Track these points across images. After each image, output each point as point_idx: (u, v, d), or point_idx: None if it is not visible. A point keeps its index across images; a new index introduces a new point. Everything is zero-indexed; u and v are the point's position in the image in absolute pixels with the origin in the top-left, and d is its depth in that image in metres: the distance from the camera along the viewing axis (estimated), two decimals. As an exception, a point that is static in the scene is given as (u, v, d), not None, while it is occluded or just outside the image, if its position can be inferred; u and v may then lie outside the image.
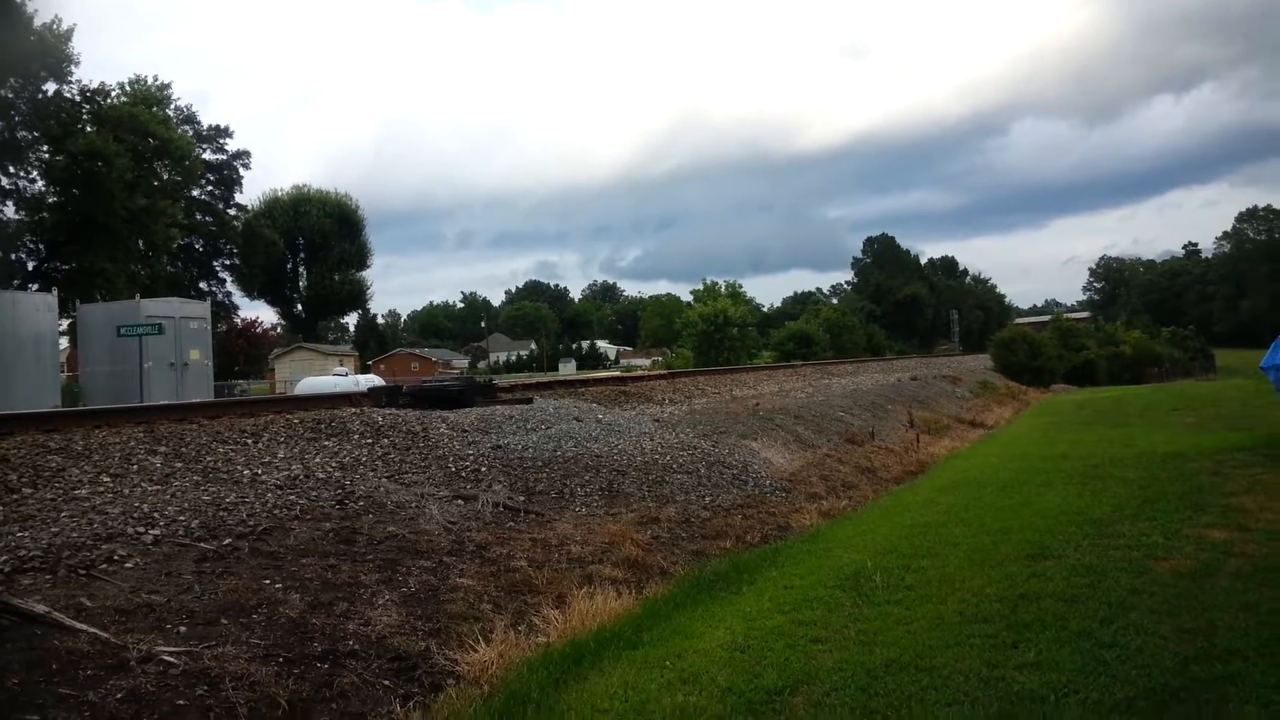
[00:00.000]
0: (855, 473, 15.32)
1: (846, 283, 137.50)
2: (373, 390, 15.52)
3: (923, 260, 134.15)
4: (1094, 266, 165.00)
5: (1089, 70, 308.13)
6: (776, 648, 5.38)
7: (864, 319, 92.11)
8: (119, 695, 4.58)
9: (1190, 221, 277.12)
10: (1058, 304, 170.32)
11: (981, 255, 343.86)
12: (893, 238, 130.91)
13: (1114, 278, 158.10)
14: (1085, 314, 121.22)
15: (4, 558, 5.75)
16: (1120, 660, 4.70)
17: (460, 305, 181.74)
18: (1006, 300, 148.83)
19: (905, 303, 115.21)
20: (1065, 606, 5.62)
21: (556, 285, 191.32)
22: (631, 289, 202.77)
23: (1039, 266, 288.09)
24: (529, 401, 15.26)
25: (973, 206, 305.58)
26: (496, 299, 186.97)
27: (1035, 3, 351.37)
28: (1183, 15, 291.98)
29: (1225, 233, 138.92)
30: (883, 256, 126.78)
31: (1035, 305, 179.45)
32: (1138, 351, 70.12)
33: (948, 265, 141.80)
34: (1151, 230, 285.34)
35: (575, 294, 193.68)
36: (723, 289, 64.54)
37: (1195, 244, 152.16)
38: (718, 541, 9.68)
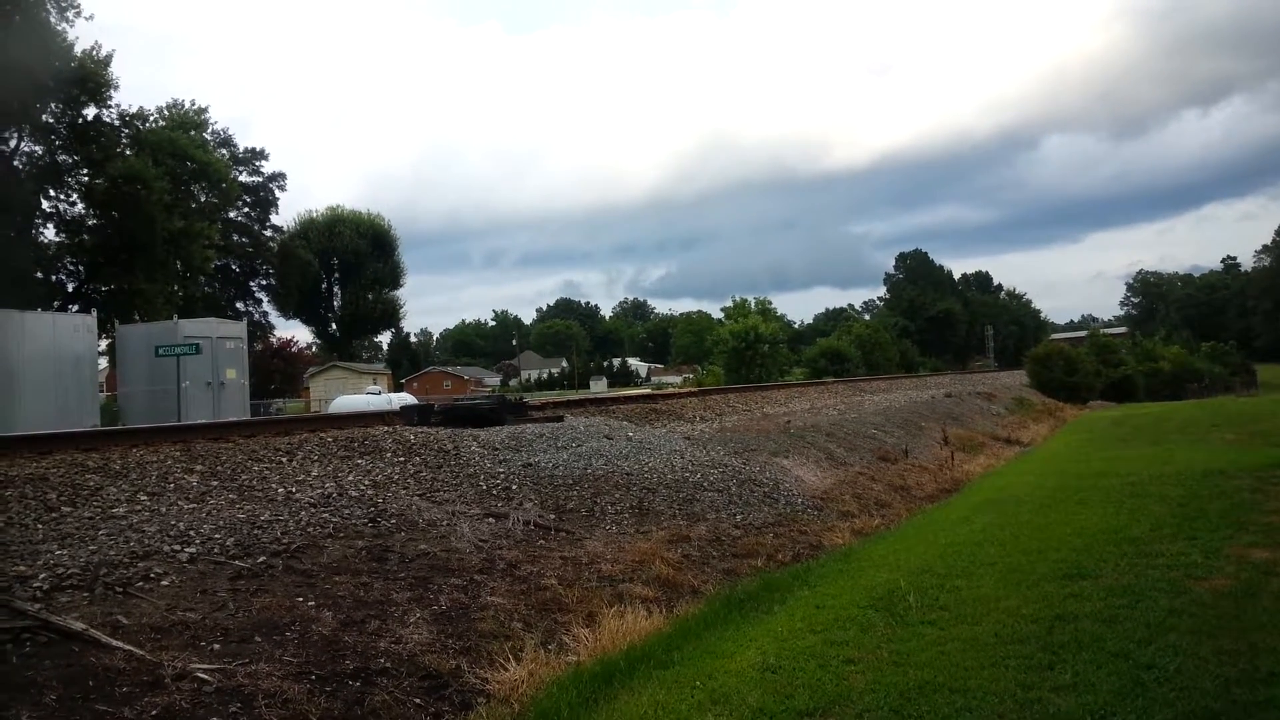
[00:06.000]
0: (888, 491, 15.20)
1: (879, 298, 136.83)
2: (405, 409, 15.61)
3: (956, 276, 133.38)
4: (1131, 281, 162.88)
5: (1115, 86, 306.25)
6: (809, 668, 5.33)
7: (897, 335, 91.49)
8: (154, 712, 4.63)
9: (1229, 235, 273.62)
10: (1094, 319, 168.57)
11: (1015, 270, 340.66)
12: (925, 253, 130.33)
13: (1151, 292, 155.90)
14: (1122, 329, 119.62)
15: (43, 575, 5.84)
16: (1159, 682, 4.61)
17: (492, 323, 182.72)
18: (1042, 315, 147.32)
19: (939, 319, 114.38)
20: (1103, 627, 5.53)
21: (587, 303, 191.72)
22: (658, 307, 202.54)
23: (1075, 281, 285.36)
24: (560, 419, 15.29)
25: (1005, 221, 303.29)
26: (528, 317, 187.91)
27: (1059, 21, 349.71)
28: (1206, 31, 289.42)
29: (1265, 246, 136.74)
30: (915, 272, 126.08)
31: (1071, 320, 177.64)
32: (1176, 367, 69.10)
33: (981, 280, 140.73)
34: (1189, 244, 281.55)
35: (605, 312, 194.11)
36: (753, 306, 64.39)
37: (1234, 258, 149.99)
38: (749, 560, 9.63)
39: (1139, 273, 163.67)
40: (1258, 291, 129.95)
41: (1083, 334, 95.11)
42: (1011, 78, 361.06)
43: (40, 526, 7.01)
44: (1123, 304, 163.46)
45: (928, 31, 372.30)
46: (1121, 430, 25.29)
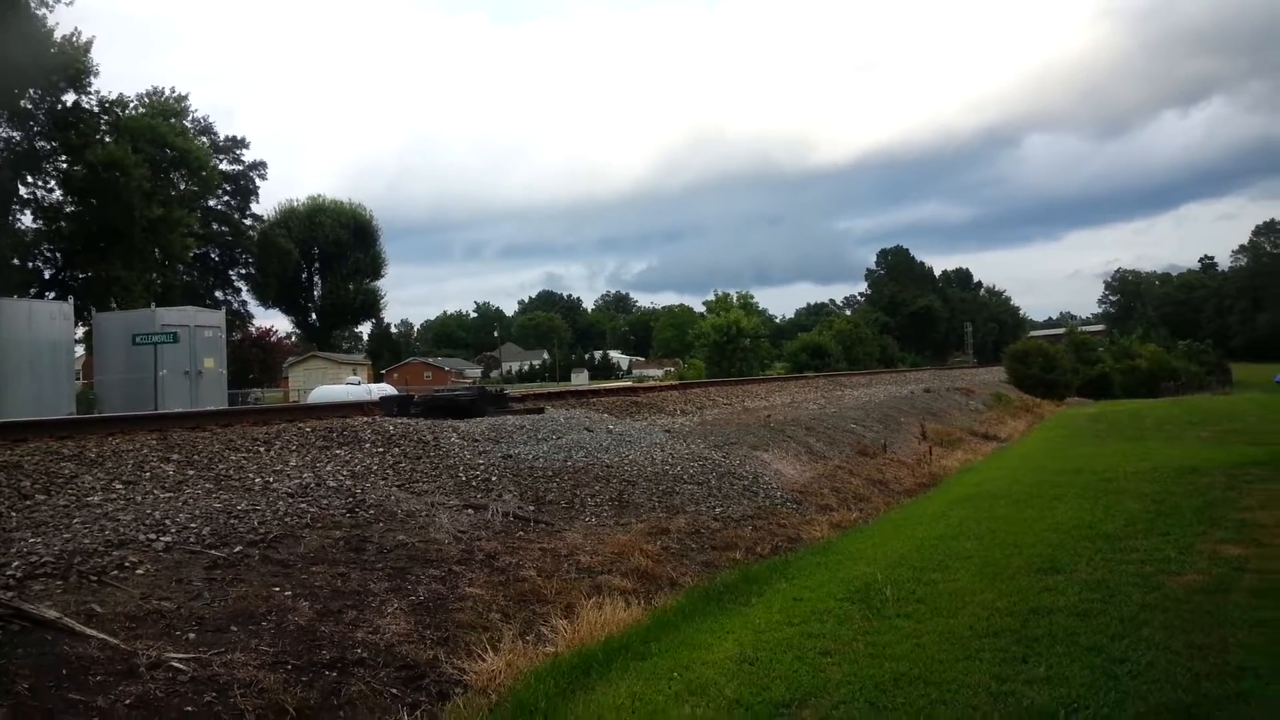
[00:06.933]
0: (867, 485, 15.28)
1: (860, 294, 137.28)
2: (385, 399, 15.56)
3: (936, 273, 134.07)
4: (1109, 280, 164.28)
5: (1097, 85, 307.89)
6: (785, 660, 5.36)
7: (877, 331, 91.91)
8: (128, 701, 4.60)
9: (1206, 235, 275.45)
10: (1072, 317, 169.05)
11: (995, 268, 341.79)
12: (906, 250, 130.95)
13: (1129, 291, 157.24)
14: (1100, 327, 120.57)
15: (16, 563, 5.79)
16: (1131, 676, 4.66)
17: (473, 315, 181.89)
18: (1021, 313, 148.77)
19: (919, 315, 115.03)
20: (1076, 621, 5.58)
21: (569, 295, 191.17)
22: (640, 300, 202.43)
23: (1054, 279, 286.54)
24: (540, 411, 15.27)
25: (986, 219, 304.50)
26: (509, 309, 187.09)
27: (1043, 20, 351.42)
28: (1187, 32, 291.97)
29: (1242, 246, 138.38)
30: (896, 269, 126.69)
31: (1050, 318, 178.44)
32: (1153, 365, 69.76)
33: (961, 277, 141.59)
34: (1167, 244, 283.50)
35: (587, 305, 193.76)
36: (735, 300, 64.52)
37: (1212, 257, 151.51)
38: (727, 553, 9.66)
39: (1117, 271, 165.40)
40: (1234, 291, 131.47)
41: (1061, 331, 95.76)
42: (995, 76, 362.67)
43: (14, 514, 6.96)
44: (1101, 302, 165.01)
45: (912, 29, 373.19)
46: (1098, 427, 25.52)
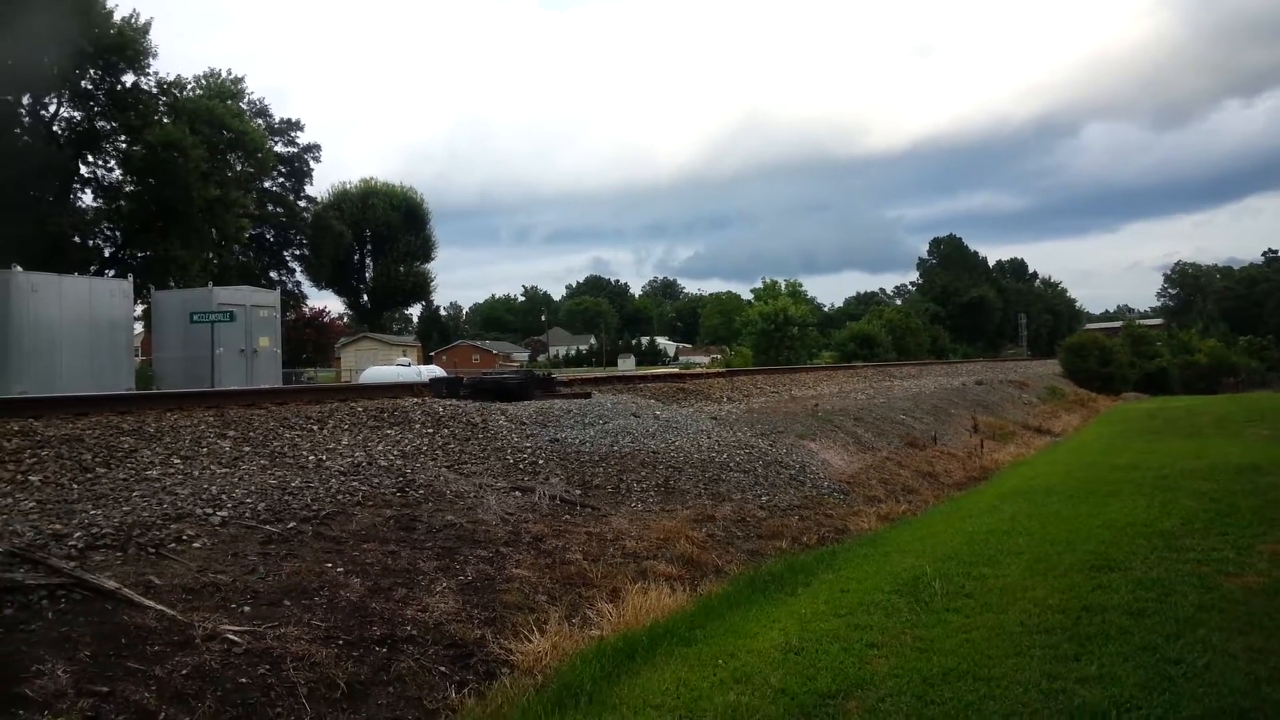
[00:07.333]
0: (916, 477, 15.14)
1: (911, 283, 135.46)
2: (434, 381, 15.70)
3: (990, 262, 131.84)
4: (1168, 272, 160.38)
5: (1155, 74, 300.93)
6: (831, 651, 5.33)
7: (928, 321, 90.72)
8: (184, 671, 4.70)
9: (1269, 228, 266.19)
10: (1130, 310, 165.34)
11: (1051, 259, 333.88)
12: (960, 239, 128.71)
13: (1189, 284, 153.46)
14: (1159, 321, 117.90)
15: (78, 534, 5.94)
16: (1186, 677, 4.57)
17: (521, 299, 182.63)
18: (1077, 305, 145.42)
19: (971, 305, 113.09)
20: (1130, 620, 5.48)
21: (617, 281, 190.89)
22: (687, 287, 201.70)
23: (1111, 271, 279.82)
24: (587, 396, 15.32)
25: (1042, 209, 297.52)
26: (557, 293, 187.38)
27: (1101, 7, 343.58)
28: (1244, 22, 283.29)
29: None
30: (949, 258, 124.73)
31: (1107, 310, 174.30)
32: (1213, 360, 68.15)
33: (1016, 268, 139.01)
34: (1228, 236, 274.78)
35: (634, 290, 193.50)
36: (783, 288, 64.08)
37: (1275, 251, 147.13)
38: (773, 542, 9.63)
39: (1177, 264, 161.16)
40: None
41: (1118, 324, 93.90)
42: (1052, 63, 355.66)
43: (75, 486, 7.13)
44: (1159, 295, 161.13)
45: (969, 13, 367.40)
46: (1154, 423, 25.01)
